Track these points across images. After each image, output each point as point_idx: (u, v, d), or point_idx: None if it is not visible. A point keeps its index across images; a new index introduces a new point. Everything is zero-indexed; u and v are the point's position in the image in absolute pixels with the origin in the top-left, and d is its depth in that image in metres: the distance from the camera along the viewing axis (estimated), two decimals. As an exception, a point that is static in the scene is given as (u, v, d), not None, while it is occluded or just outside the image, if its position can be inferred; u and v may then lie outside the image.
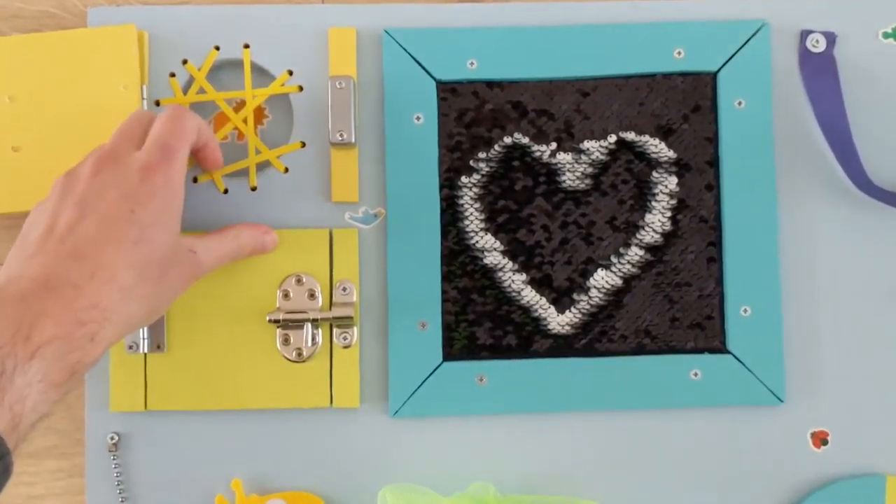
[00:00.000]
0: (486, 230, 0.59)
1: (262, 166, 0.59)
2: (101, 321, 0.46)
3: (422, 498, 0.54)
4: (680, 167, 0.59)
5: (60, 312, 0.44)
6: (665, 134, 0.59)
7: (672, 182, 0.59)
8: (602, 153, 0.59)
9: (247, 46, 0.59)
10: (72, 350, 0.44)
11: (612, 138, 0.59)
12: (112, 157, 0.50)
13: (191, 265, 0.51)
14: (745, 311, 0.58)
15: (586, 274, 0.58)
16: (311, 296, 0.57)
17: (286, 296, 0.57)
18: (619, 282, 0.58)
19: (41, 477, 0.58)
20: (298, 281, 0.57)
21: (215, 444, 0.57)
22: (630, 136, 0.59)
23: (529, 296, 0.58)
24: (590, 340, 0.58)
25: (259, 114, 0.60)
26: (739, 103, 0.59)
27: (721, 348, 0.58)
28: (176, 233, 0.50)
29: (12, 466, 0.42)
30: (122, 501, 0.57)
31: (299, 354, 0.57)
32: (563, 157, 0.59)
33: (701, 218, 0.59)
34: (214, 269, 0.53)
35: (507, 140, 0.59)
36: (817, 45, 0.59)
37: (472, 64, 0.59)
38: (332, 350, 0.57)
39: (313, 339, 0.57)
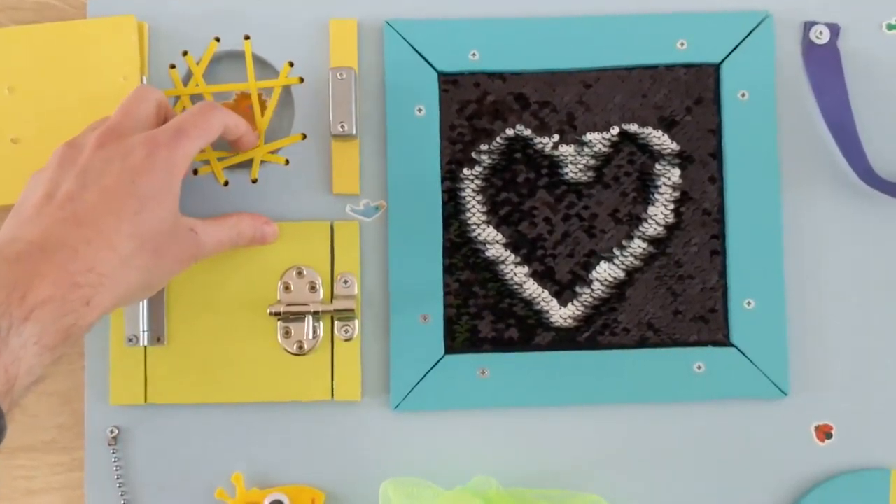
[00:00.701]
0: (488, 223, 0.58)
1: (263, 162, 0.59)
2: (97, 286, 0.45)
3: (423, 492, 0.53)
4: (683, 159, 0.59)
5: (56, 274, 0.44)
6: (668, 126, 0.59)
7: (675, 174, 0.58)
8: (605, 145, 0.59)
9: (247, 38, 0.59)
10: (67, 313, 0.44)
11: (615, 130, 0.59)
12: (117, 132, 0.50)
13: (191, 244, 0.51)
14: (749, 303, 0.57)
15: (589, 267, 0.58)
16: (312, 288, 0.57)
17: (287, 288, 0.57)
18: (621, 274, 0.58)
19: (40, 471, 0.58)
20: (299, 273, 0.57)
21: (216, 437, 0.57)
22: (633, 127, 0.59)
23: (532, 289, 0.58)
24: (592, 333, 0.58)
25: (260, 105, 0.59)
26: (743, 95, 0.58)
27: (724, 341, 0.58)
28: (175, 210, 0.50)
29: (6, 429, 0.42)
30: (121, 495, 0.57)
31: (300, 347, 0.57)
32: (566, 149, 0.59)
33: (704, 210, 0.58)
34: (213, 254, 0.53)
35: (510, 132, 0.59)
36: (821, 36, 0.59)
37: (473, 55, 0.58)
38: (333, 343, 0.57)
39: (314, 331, 0.56)
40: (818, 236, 0.58)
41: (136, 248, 0.47)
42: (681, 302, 0.58)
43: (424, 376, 0.57)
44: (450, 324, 0.57)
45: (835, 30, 0.59)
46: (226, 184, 0.58)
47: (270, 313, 0.56)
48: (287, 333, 0.57)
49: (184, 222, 0.51)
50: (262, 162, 0.58)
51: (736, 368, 0.57)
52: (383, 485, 0.54)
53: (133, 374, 0.57)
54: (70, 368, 0.58)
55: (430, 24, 0.59)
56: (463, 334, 0.57)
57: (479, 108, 0.59)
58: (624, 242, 0.58)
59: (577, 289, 0.58)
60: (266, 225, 0.56)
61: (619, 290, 0.58)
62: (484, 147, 0.58)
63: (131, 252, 0.47)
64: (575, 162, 0.59)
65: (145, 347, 0.57)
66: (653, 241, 0.58)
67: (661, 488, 0.57)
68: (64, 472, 0.58)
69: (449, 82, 0.59)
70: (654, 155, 0.59)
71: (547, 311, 0.58)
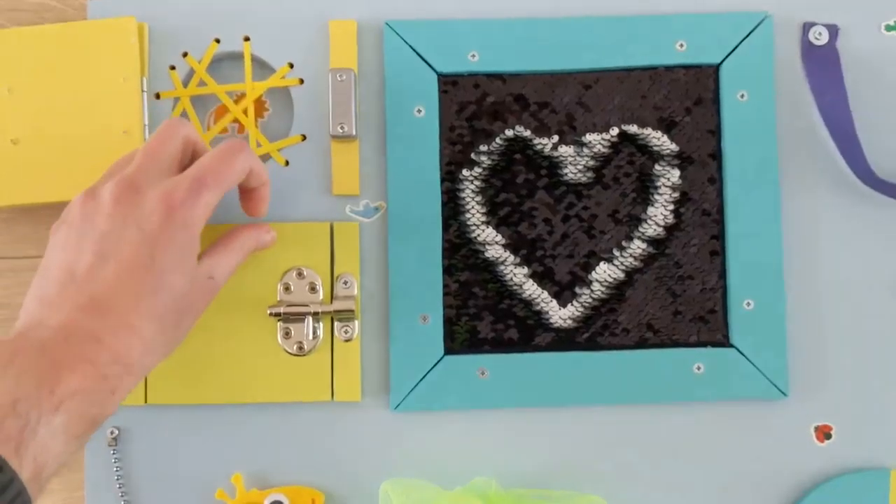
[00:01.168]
0: (488, 223, 0.58)
1: (263, 159, 0.59)
2: (123, 375, 0.46)
3: (423, 492, 0.53)
4: (682, 160, 0.59)
5: (84, 367, 0.44)
6: (667, 126, 0.59)
7: (674, 175, 0.59)
8: (604, 146, 0.59)
9: (247, 39, 0.59)
10: (94, 403, 0.44)
11: (615, 131, 0.59)
12: (134, 187, 0.48)
13: (208, 291, 0.50)
14: (748, 304, 0.57)
15: (588, 267, 0.58)
16: (312, 289, 0.57)
17: (287, 289, 0.57)
18: (621, 275, 0.58)
19: (40, 472, 0.58)
20: (299, 274, 0.57)
21: (216, 438, 0.57)
22: (632, 128, 0.59)
23: (531, 289, 0.58)
24: (592, 334, 0.58)
25: (260, 107, 0.59)
26: (742, 96, 0.58)
27: (724, 342, 0.58)
28: (194, 268, 0.49)
29: None
30: (121, 496, 0.57)
31: (300, 348, 0.57)
32: (565, 150, 0.59)
33: (703, 211, 0.58)
34: None
35: (509, 133, 0.59)
36: (820, 37, 0.59)
37: (473, 56, 0.58)
38: (333, 343, 0.57)
39: (314, 332, 0.57)
40: (817, 237, 0.58)
41: (158, 328, 0.47)
42: (680, 303, 0.58)
43: (424, 377, 0.57)
44: (449, 324, 0.57)
45: (834, 31, 0.59)
46: (226, 185, 0.58)
47: (270, 314, 0.56)
48: (287, 334, 0.57)
49: (201, 272, 0.50)
50: (263, 163, 0.58)
51: (735, 369, 0.57)
52: (383, 485, 0.54)
53: (133, 375, 0.57)
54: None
55: (429, 26, 0.59)
56: (462, 335, 0.58)
57: (478, 109, 0.59)
58: (623, 243, 0.58)
59: (577, 289, 0.58)
60: (266, 234, 0.55)
61: (618, 290, 0.58)
62: (483, 148, 0.59)
63: (154, 333, 0.47)
64: (574, 163, 0.59)
65: (145, 348, 0.57)
66: (652, 241, 0.58)
67: (661, 489, 0.57)
68: (64, 473, 0.58)
69: (448, 83, 0.59)
70: (654, 156, 0.59)
71: (546, 312, 0.58)
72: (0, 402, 0.41)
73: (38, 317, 0.46)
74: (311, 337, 0.56)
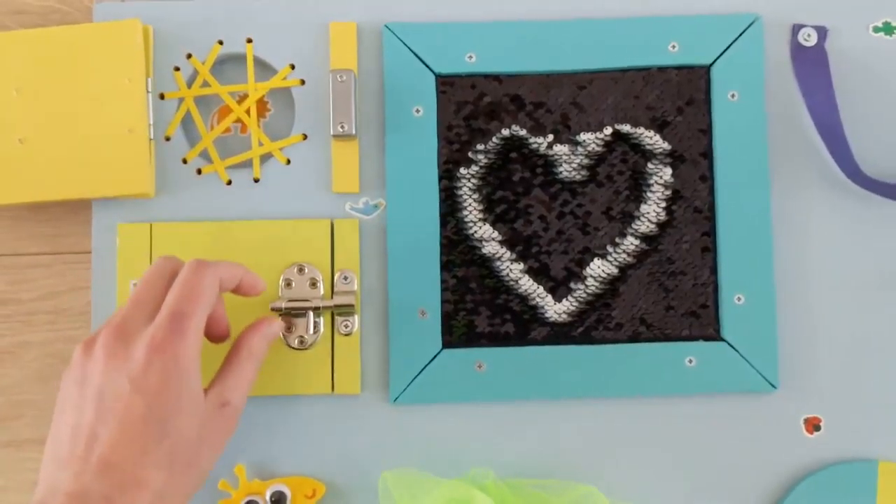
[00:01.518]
0: (485, 220, 0.60)
1: (265, 158, 0.60)
2: None
3: (422, 482, 0.54)
4: (674, 158, 0.60)
5: None
6: (660, 126, 0.60)
7: (667, 173, 0.60)
8: (598, 145, 0.60)
9: (250, 41, 0.60)
10: None
11: (608, 130, 0.60)
12: (122, 336, 0.49)
13: (225, 419, 0.51)
14: (739, 299, 0.59)
15: (583, 263, 0.59)
16: (313, 285, 0.58)
17: (288, 284, 0.58)
18: (614, 271, 0.59)
19: (47, 464, 0.59)
20: (300, 270, 0.58)
21: (219, 430, 0.58)
22: (625, 128, 0.60)
23: (527, 284, 0.59)
24: (586, 328, 0.59)
25: (262, 107, 0.61)
26: (733, 96, 0.60)
27: (715, 336, 0.59)
28: (199, 407, 0.49)
29: None
30: (126, 487, 0.58)
31: (301, 342, 0.58)
32: (560, 149, 0.60)
33: (695, 208, 0.60)
34: None
35: (505, 132, 0.60)
36: (809, 39, 0.60)
37: (470, 57, 0.60)
38: (333, 338, 0.58)
39: (315, 327, 0.58)
40: (806, 233, 0.60)
41: (168, 475, 0.47)
42: (673, 297, 0.59)
43: (422, 370, 0.58)
44: (447, 319, 0.59)
45: (822, 32, 0.61)
46: (229, 183, 0.60)
47: (272, 309, 0.57)
48: (289, 328, 0.58)
49: (213, 403, 0.50)
50: (264, 162, 0.60)
51: (727, 362, 0.58)
52: (382, 476, 0.55)
53: (138, 369, 0.58)
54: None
55: (427, 28, 0.60)
56: (460, 329, 0.59)
57: (475, 108, 0.60)
58: (617, 240, 0.60)
59: (572, 285, 0.59)
60: (270, 327, 0.54)
61: (612, 286, 0.59)
62: (480, 147, 0.60)
63: (164, 481, 0.47)
64: (569, 161, 0.60)
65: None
66: (645, 238, 0.60)
67: (654, 479, 0.58)
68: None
69: (446, 84, 0.60)
70: (647, 154, 0.60)
71: (542, 307, 0.59)
72: None
73: (53, 482, 0.47)
74: (311, 331, 0.58)
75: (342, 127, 0.58)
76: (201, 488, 0.50)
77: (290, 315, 0.57)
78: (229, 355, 0.53)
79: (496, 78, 0.60)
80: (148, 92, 0.59)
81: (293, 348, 0.58)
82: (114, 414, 0.47)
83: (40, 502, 0.46)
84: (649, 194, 0.60)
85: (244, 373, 0.52)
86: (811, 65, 0.60)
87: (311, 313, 0.57)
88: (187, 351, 0.48)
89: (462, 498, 0.52)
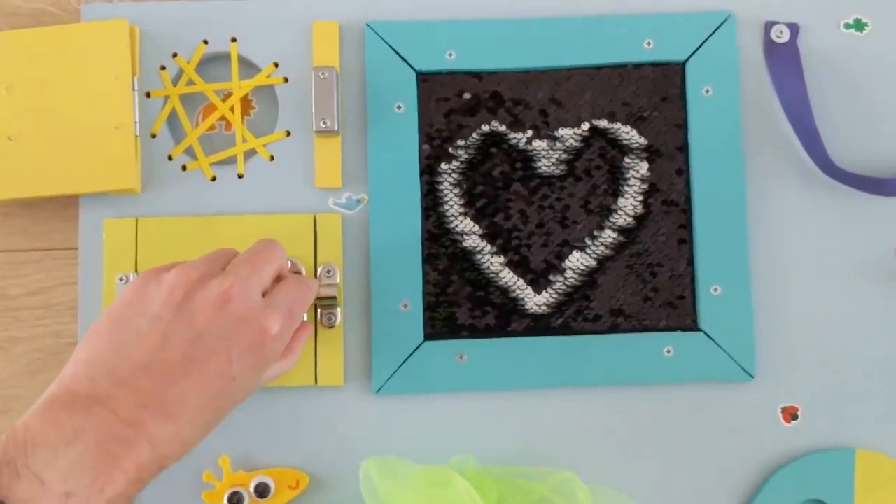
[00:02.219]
0: (466, 214, 0.61)
1: (249, 154, 0.61)
2: (155, 474, 0.47)
3: (401, 468, 0.55)
4: (651, 153, 0.61)
5: (131, 469, 0.45)
6: (636, 121, 0.61)
7: (643, 167, 0.61)
8: (576, 140, 0.61)
9: (234, 40, 0.61)
10: (126, 502, 0.45)
11: (586, 126, 0.61)
12: (243, 293, 0.49)
13: (244, 400, 0.51)
14: (716, 290, 0.60)
15: (562, 256, 0.60)
16: (297, 278, 0.59)
17: (272, 278, 0.59)
18: (593, 263, 0.60)
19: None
20: (284, 264, 0.59)
21: (203, 421, 0.59)
22: (603, 123, 0.61)
23: (507, 277, 0.60)
24: (566, 320, 0.60)
25: (246, 104, 0.62)
26: (707, 91, 0.61)
27: (693, 326, 0.60)
28: (256, 386, 0.51)
29: None
30: (112, 479, 0.58)
31: (285, 334, 0.58)
32: (539, 144, 0.61)
33: (672, 201, 0.61)
34: None
35: (485, 128, 0.61)
36: (781, 35, 0.62)
37: (450, 55, 0.61)
38: (316, 330, 0.59)
39: (298, 319, 0.58)
40: (781, 224, 0.61)
41: (202, 434, 0.48)
42: (650, 289, 0.60)
43: (404, 362, 0.59)
44: (429, 311, 0.60)
45: (794, 29, 0.62)
46: (213, 179, 0.61)
47: (256, 301, 0.58)
48: (272, 321, 0.58)
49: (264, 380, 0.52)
50: (248, 158, 0.61)
51: (704, 352, 0.59)
52: (364, 463, 0.55)
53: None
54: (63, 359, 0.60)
55: (408, 26, 0.61)
56: (441, 321, 0.60)
57: (455, 105, 0.61)
58: (595, 232, 0.61)
59: (551, 277, 0.60)
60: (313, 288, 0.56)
61: (591, 277, 0.60)
62: (461, 142, 0.61)
63: (197, 440, 0.48)
64: (548, 156, 0.61)
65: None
66: (623, 230, 0.61)
67: (632, 467, 0.59)
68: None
69: (427, 81, 0.61)
70: (624, 149, 0.61)
71: (522, 299, 0.60)
72: (54, 488, 0.42)
73: (108, 392, 0.45)
74: (295, 324, 0.58)
75: (325, 123, 0.59)
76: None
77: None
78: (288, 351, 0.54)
79: (476, 75, 0.61)
80: (134, 90, 0.60)
81: (277, 340, 0.58)
82: (202, 367, 0.47)
83: (86, 405, 0.45)
84: (626, 188, 0.61)
85: (284, 364, 0.54)
86: (784, 61, 0.61)
87: (294, 305, 0.58)
88: (281, 347, 0.50)
89: (441, 481, 0.53)
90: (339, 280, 0.59)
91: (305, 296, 0.53)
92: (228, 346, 0.48)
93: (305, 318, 0.57)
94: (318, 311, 0.59)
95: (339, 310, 0.59)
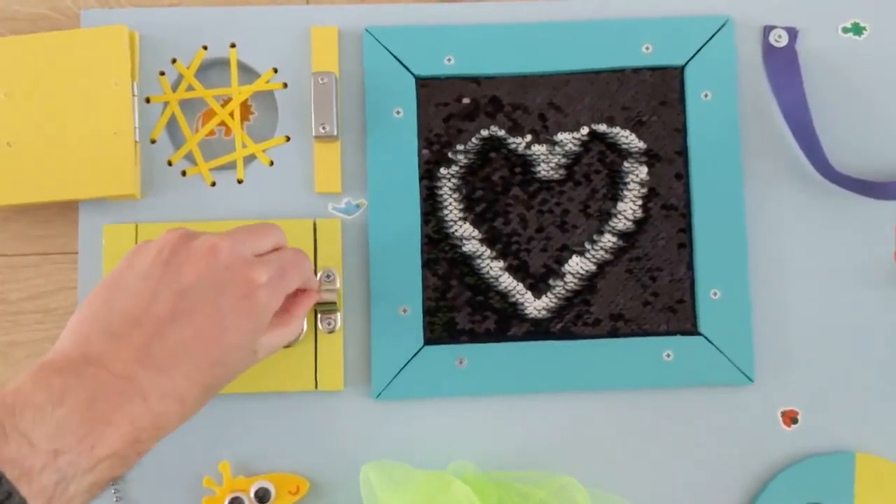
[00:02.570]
0: (465, 219, 0.61)
1: (249, 160, 0.61)
2: (154, 439, 0.46)
3: (401, 473, 0.55)
4: (650, 157, 0.61)
5: (126, 428, 0.44)
6: (635, 125, 0.61)
7: (643, 171, 0.61)
8: (575, 144, 0.61)
9: (233, 46, 0.61)
10: (121, 466, 0.45)
11: (585, 130, 0.61)
12: (231, 247, 0.49)
13: (245, 366, 0.50)
14: (715, 294, 0.60)
15: (561, 260, 0.61)
16: (296, 283, 0.59)
17: (272, 283, 0.59)
18: (592, 267, 0.60)
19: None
20: (284, 269, 0.59)
21: (203, 426, 0.58)
22: (602, 127, 0.61)
23: (507, 282, 0.60)
24: (565, 324, 0.60)
25: (245, 110, 0.62)
26: (706, 95, 0.61)
27: (692, 330, 0.60)
28: (253, 349, 0.50)
29: None
30: (111, 485, 0.58)
31: (285, 339, 0.58)
32: (538, 149, 0.61)
33: (671, 205, 0.61)
34: None
35: (484, 132, 0.61)
36: (780, 39, 0.62)
37: (449, 60, 0.61)
38: (316, 335, 0.59)
39: (298, 324, 0.58)
40: (780, 228, 0.61)
41: (201, 397, 0.47)
42: (650, 293, 0.60)
43: (404, 366, 0.59)
44: (429, 316, 0.60)
45: (793, 33, 0.62)
46: (213, 184, 0.61)
47: (256, 306, 0.58)
48: (272, 326, 0.59)
49: (259, 350, 0.51)
50: (248, 163, 0.61)
51: (704, 356, 0.59)
52: (363, 468, 0.56)
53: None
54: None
55: (407, 31, 0.61)
56: (441, 326, 0.60)
57: (454, 110, 0.61)
58: (595, 237, 0.61)
59: (551, 281, 0.60)
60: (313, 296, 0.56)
61: (590, 282, 0.60)
62: (460, 147, 0.61)
63: (195, 402, 0.47)
64: (547, 160, 0.61)
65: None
66: (622, 235, 0.61)
67: (632, 472, 0.59)
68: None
69: (426, 86, 0.61)
70: (623, 153, 0.61)
71: (522, 303, 0.60)
72: (42, 447, 0.41)
73: (101, 349, 0.45)
74: (295, 329, 0.58)
75: (324, 128, 0.59)
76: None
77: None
78: (285, 310, 0.53)
79: (475, 80, 0.61)
80: (134, 96, 0.60)
81: (276, 345, 0.59)
82: (192, 319, 0.47)
83: (77, 366, 0.44)
84: (626, 192, 0.61)
85: (287, 333, 0.53)
86: (782, 65, 0.62)
87: (294, 311, 0.58)
88: (274, 302, 0.50)
89: (440, 486, 0.53)
90: (338, 285, 0.59)
91: (300, 262, 0.52)
92: (216, 296, 0.48)
93: (305, 322, 0.57)
94: (318, 315, 0.59)
95: (338, 314, 0.59)
